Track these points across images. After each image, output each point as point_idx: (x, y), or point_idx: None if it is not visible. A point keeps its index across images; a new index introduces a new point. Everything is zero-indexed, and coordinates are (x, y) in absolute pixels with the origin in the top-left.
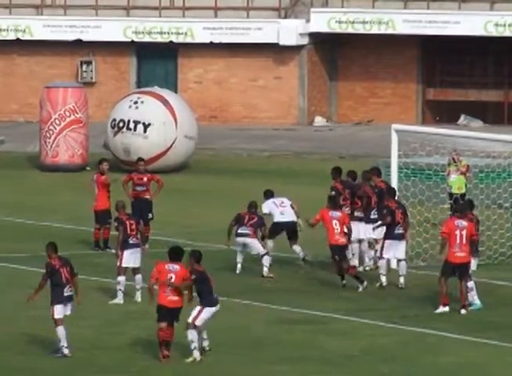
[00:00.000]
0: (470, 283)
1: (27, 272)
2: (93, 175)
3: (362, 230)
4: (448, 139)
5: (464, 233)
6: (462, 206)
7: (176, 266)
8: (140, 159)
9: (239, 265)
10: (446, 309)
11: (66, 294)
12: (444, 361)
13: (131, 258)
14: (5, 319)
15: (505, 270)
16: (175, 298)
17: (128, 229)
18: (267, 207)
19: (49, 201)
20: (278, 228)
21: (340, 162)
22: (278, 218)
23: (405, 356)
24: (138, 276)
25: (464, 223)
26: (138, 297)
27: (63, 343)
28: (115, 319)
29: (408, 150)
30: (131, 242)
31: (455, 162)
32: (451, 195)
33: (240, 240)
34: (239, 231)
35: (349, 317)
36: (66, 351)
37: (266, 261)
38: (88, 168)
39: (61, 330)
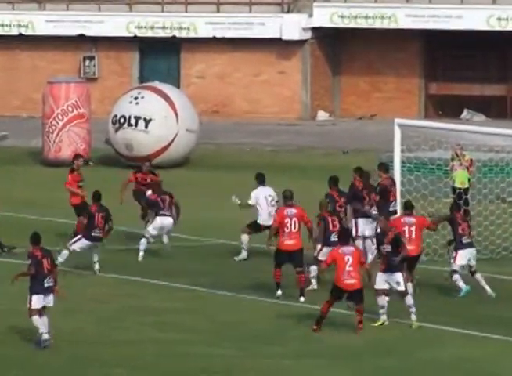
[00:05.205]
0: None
1: None
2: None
3: (367, 227)
4: (451, 134)
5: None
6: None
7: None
8: (147, 160)
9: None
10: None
11: (46, 285)
12: (445, 355)
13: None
14: (5, 313)
15: (508, 265)
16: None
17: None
18: (255, 197)
19: (52, 196)
20: (260, 227)
21: (343, 157)
22: (264, 221)
23: (407, 350)
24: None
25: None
26: None
27: (42, 330)
28: (117, 314)
29: (411, 144)
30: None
31: (458, 156)
32: (454, 189)
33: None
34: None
35: (352, 312)
36: (45, 336)
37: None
38: (90, 163)
39: (37, 320)
